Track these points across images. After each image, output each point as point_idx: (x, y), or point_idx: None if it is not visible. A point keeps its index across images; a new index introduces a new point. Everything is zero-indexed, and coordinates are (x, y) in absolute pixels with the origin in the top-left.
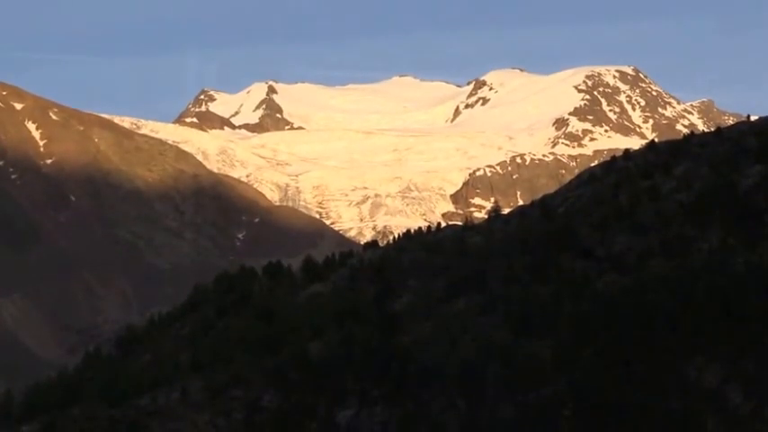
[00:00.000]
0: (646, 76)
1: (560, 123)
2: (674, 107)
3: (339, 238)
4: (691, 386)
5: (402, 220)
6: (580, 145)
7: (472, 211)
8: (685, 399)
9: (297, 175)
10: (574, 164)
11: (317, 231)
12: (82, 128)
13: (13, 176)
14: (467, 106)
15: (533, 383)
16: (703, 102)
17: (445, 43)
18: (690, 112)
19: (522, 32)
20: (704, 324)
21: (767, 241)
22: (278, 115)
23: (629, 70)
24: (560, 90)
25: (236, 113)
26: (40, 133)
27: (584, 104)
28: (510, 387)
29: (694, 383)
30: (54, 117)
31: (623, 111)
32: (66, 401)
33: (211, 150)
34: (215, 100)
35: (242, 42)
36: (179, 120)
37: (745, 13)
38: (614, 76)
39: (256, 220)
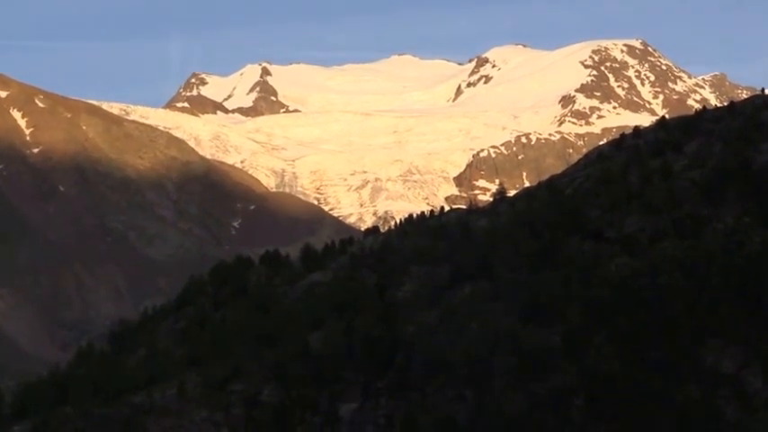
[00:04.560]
0: (655, 50)
1: (566, 101)
2: (684, 81)
3: (338, 224)
4: (707, 372)
5: (404, 205)
6: (588, 123)
7: (476, 194)
8: (702, 385)
9: (293, 160)
10: (581, 143)
11: (316, 218)
12: (69, 115)
13: None
14: (468, 85)
15: (543, 372)
16: (715, 75)
17: (445, 20)
18: (701, 87)
19: (525, 6)
20: (720, 307)
21: None
22: (272, 98)
23: (637, 44)
24: (566, 66)
25: (229, 97)
26: (26, 121)
27: (591, 80)
28: (519, 376)
29: (711, 369)
30: (40, 104)
31: (632, 86)
32: (59, 399)
33: (204, 136)
34: (206, 83)
35: (234, 23)
36: (169, 105)
37: None
38: (622, 51)
39: (252, 207)
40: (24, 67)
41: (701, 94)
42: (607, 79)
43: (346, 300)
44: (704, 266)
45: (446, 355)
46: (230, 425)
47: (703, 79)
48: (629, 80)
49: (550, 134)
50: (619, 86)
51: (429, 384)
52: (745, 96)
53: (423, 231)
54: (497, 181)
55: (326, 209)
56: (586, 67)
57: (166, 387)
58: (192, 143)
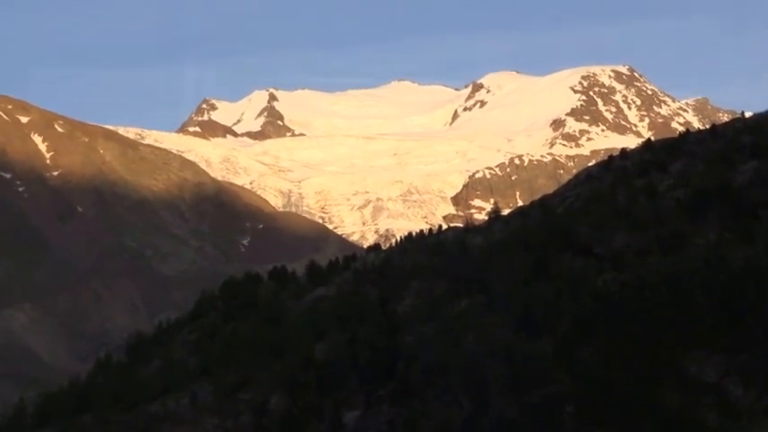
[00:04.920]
0: (641, 76)
1: (557, 124)
2: (669, 105)
3: (342, 242)
4: (691, 380)
5: (404, 223)
6: (577, 145)
7: (472, 213)
8: (686, 393)
9: (299, 181)
10: (571, 164)
11: (321, 236)
12: (87, 139)
13: (20, 189)
14: (465, 109)
15: (536, 381)
16: (698, 99)
17: (442, 47)
18: (685, 110)
19: (517, 34)
20: (703, 319)
21: (763, 236)
22: (279, 122)
23: (624, 70)
24: (556, 91)
25: (238, 121)
26: (46, 146)
27: (581, 105)
28: (513, 385)
29: (694, 377)
30: (59, 129)
31: (619, 110)
32: (79, 408)
33: (214, 158)
34: (216, 109)
35: (242, 50)
36: (182, 129)
37: (739, 11)
38: (609, 76)
39: (260, 226)
40: (44, 93)
41: (685, 117)
42: (596, 104)
43: (350, 313)
44: (688, 281)
45: (444, 364)
46: (239, 431)
47: (687, 103)
48: (616, 104)
49: (542, 156)
50: (607, 110)
51: (428, 392)
52: (726, 119)
53: (422, 248)
54: (492, 200)
55: (331, 227)
56: (576, 92)
57: (180, 396)
58: (203, 165)
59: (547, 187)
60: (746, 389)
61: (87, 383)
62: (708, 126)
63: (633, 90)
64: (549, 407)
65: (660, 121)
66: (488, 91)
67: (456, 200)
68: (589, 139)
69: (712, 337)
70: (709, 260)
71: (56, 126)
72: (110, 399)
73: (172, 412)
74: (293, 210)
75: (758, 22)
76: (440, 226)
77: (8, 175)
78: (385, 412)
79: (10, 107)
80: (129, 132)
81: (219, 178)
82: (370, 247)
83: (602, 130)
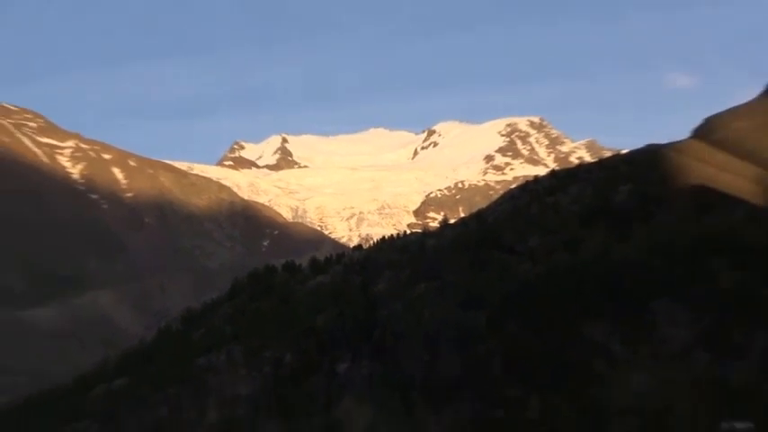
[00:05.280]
0: (548, 123)
1: (489, 158)
2: (568, 145)
3: (335, 243)
4: (586, 341)
5: (379, 230)
6: (503, 173)
7: (428, 222)
8: (582, 350)
9: (304, 200)
10: (499, 187)
11: (319, 239)
12: (152, 171)
13: (104, 206)
14: (422, 148)
15: (474, 344)
16: (589, 141)
17: (406, 102)
18: (579, 149)
19: (460, 92)
20: (594, 297)
21: (635, 239)
22: (289, 158)
23: (536, 119)
24: (488, 135)
25: (260, 157)
26: (123, 175)
27: (505, 144)
28: (458, 347)
29: (588, 339)
30: (132, 164)
31: (533, 149)
32: (146, 362)
33: (243, 184)
34: (244, 148)
35: (262, 107)
36: (219, 163)
37: (619, 76)
38: (526, 124)
39: (276, 232)
40: (121, 137)
41: (580, 153)
42: (516, 143)
43: (340, 294)
44: (582, 270)
45: (409, 332)
46: (262, 379)
47: (580, 144)
48: (530, 144)
49: (478, 181)
50: (524, 148)
51: (397, 351)
52: (608, 155)
53: (392, 248)
54: (442, 213)
55: (327, 233)
56: (502, 135)
57: (219, 354)
58: (235, 189)
59: (481, 204)
60: (623, 346)
61: (152, 345)
62: (596, 160)
63: (543, 134)
64: (484, 363)
65: (562, 156)
66: (439, 135)
67: (416, 213)
68: (511, 169)
69: (600, 309)
70: (596, 256)
71: (129, 161)
72: (169, 355)
73: (213, 365)
74: (299, 220)
75: (629, 80)
76: (405, 232)
77: (95, 196)
78: (366, 365)
79: (97, 148)
80: (182, 165)
81: (246, 198)
82: (354, 247)
83: (521, 163)
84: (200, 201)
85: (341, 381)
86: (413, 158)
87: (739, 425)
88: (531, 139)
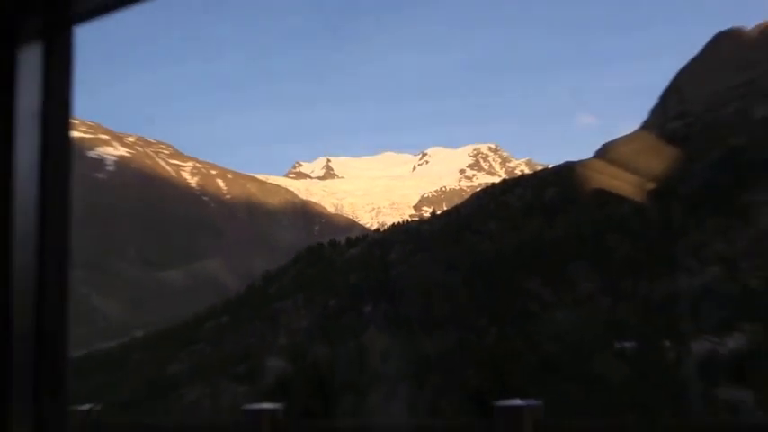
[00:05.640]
0: (501, 148)
1: (462, 171)
2: (513, 162)
3: (362, 228)
4: (526, 291)
5: (390, 219)
6: (471, 181)
7: (423, 214)
8: (524, 298)
9: (341, 200)
10: (469, 190)
11: (352, 226)
12: (242, 181)
13: (211, 206)
14: (419, 165)
15: (453, 294)
16: (528, 159)
17: (407, 133)
18: (521, 164)
19: (443, 127)
20: (532, 263)
21: (559, 225)
22: (331, 172)
23: (493, 145)
24: (462, 156)
25: (312, 172)
26: (224, 184)
27: (473, 162)
28: (443, 296)
29: (527, 290)
30: (229, 176)
31: (491, 165)
32: (240, 306)
33: (301, 189)
34: (302, 165)
35: (313, 136)
36: (286, 175)
37: (545, 114)
38: (486, 148)
39: (323, 221)
40: (222, 158)
41: (521, 167)
42: (480, 162)
43: (366, 261)
44: (524, 246)
45: (410, 287)
46: (315, 317)
47: (522, 161)
48: (489, 162)
49: (455, 187)
50: (485, 164)
51: (403, 299)
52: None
53: (399, 231)
54: (432, 208)
55: (357, 222)
56: (470, 156)
57: (287, 301)
58: (296, 192)
59: (458, 202)
60: (551, 294)
61: (244, 295)
62: (532, 172)
63: (497, 155)
64: (460, 306)
65: (510, 169)
66: (430, 156)
67: (415, 207)
68: (477, 179)
69: (537, 271)
70: (533, 236)
71: (227, 175)
72: (255, 302)
73: (283, 308)
74: (339, 213)
75: (557, 122)
76: (407, 220)
77: (206, 198)
78: (382, 308)
79: (207, 166)
80: (262, 177)
81: (304, 198)
82: (374, 231)
83: (483, 174)
84: (274, 201)
85: (366, 318)
86: (412, 171)
87: (627, 343)
88: (490, 159)
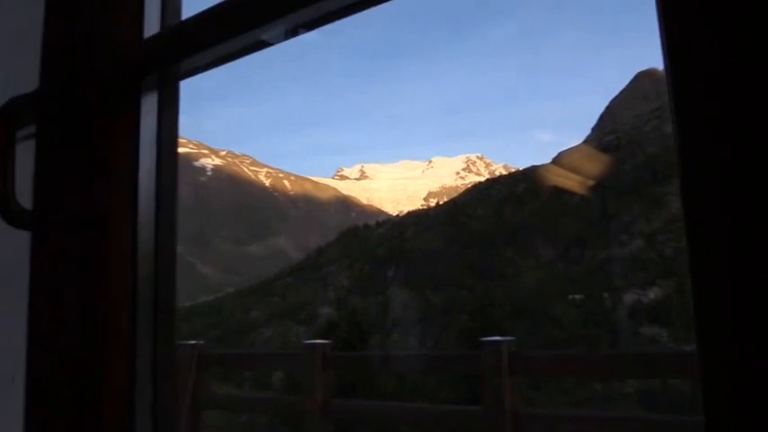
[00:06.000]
0: (485, 156)
1: (457, 173)
2: (494, 166)
3: (387, 215)
4: (505, 257)
5: (406, 208)
6: (464, 180)
7: (430, 204)
8: (502, 261)
9: (372, 195)
10: (463, 187)
11: (380, 213)
12: (302, 182)
13: (280, 199)
14: (427, 169)
15: (452, 259)
16: (505, 164)
17: (419, 146)
18: (499, 168)
19: (443, 142)
20: (508, 236)
21: (526, 209)
22: (365, 175)
23: (479, 155)
24: (457, 162)
25: (351, 175)
26: (289, 183)
27: (465, 166)
28: (445, 262)
29: (505, 256)
30: (292, 178)
31: (478, 168)
32: (299, 270)
33: (343, 188)
34: (343, 170)
35: (352, 149)
36: (332, 177)
37: (511, 132)
38: (475, 156)
39: (359, 210)
40: (287, 165)
41: (500, 170)
42: (470, 166)
43: (389, 238)
44: (502, 225)
45: (421, 255)
46: (352, 278)
47: (500, 165)
48: (477, 166)
49: (453, 185)
50: (473, 168)
51: (416, 264)
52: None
53: (412, 216)
54: (436, 200)
55: (383, 210)
56: (464, 162)
57: (333, 266)
58: (340, 189)
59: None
60: (520, 259)
61: (302, 263)
62: (507, 173)
63: (482, 161)
64: (456, 267)
65: (491, 171)
66: (434, 162)
67: (424, 199)
68: (468, 179)
69: (512, 242)
70: (508, 218)
71: (291, 177)
72: (310, 267)
73: (330, 271)
74: (370, 204)
75: (520, 138)
76: (419, 208)
77: (276, 194)
78: (401, 271)
79: (277, 170)
80: (315, 178)
81: (345, 194)
82: (395, 216)
83: (473, 175)
84: (324, 196)
85: (389, 279)
86: (422, 174)
87: (577, 296)
88: (477, 164)
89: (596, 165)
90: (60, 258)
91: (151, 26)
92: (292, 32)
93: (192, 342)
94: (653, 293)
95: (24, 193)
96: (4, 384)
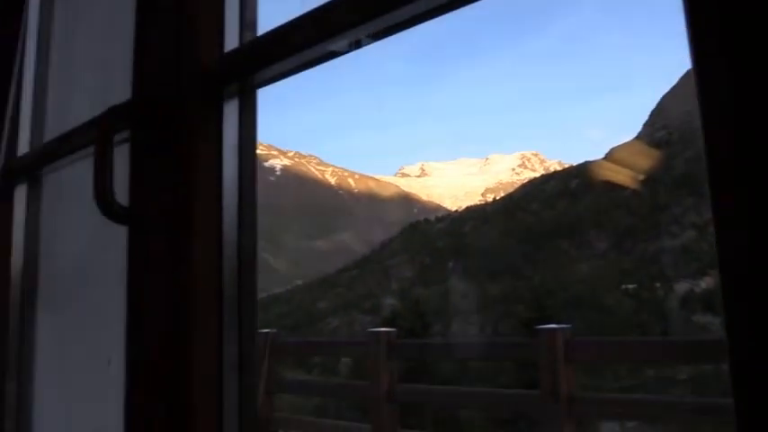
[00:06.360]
0: (540, 153)
1: (513, 170)
2: (549, 162)
3: (446, 210)
4: (559, 248)
5: (465, 203)
6: (519, 176)
7: (487, 198)
8: (556, 252)
9: (432, 191)
10: (518, 183)
11: (439, 208)
12: (365, 180)
13: (341, 194)
14: (483, 166)
15: (509, 249)
16: (559, 161)
17: (476, 144)
18: (554, 164)
19: (501, 140)
20: (566, 229)
21: (581, 204)
22: (425, 173)
23: (535, 152)
24: (513, 159)
25: (412, 172)
26: (353, 181)
27: (520, 162)
28: (500, 251)
29: (561, 247)
30: (356, 177)
31: (533, 165)
32: (365, 263)
33: (405, 185)
34: (405, 168)
35: (413, 149)
36: (395, 175)
37: (565, 134)
38: (530, 153)
39: (420, 206)
40: (351, 164)
41: (554, 166)
42: (525, 163)
43: (449, 232)
44: (558, 218)
45: (478, 247)
46: (415, 270)
47: (554, 161)
48: (532, 163)
49: (509, 181)
50: (528, 164)
51: (474, 257)
52: (567, 166)
53: (471, 210)
54: (494, 195)
55: (442, 206)
56: (519, 159)
57: (397, 259)
58: (402, 187)
59: (510, 190)
60: (577, 250)
61: (367, 257)
62: (561, 168)
63: (537, 158)
64: (511, 257)
65: (545, 167)
66: (490, 160)
67: (482, 195)
68: (523, 175)
69: (569, 235)
70: (563, 213)
71: (355, 176)
72: (374, 260)
73: (393, 263)
74: (430, 200)
75: (573, 137)
76: (476, 204)
77: (341, 192)
78: (461, 263)
79: (342, 170)
80: (378, 176)
81: (407, 191)
82: (454, 211)
83: (528, 171)
84: (386, 193)
85: (449, 270)
86: (479, 170)
87: (629, 286)
88: (532, 160)
89: (648, 160)
90: (153, 252)
91: (231, 41)
92: (356, 44)
93: (266, 331)
94: (704, 283)
95: (120, 193)
96: (101, 366)
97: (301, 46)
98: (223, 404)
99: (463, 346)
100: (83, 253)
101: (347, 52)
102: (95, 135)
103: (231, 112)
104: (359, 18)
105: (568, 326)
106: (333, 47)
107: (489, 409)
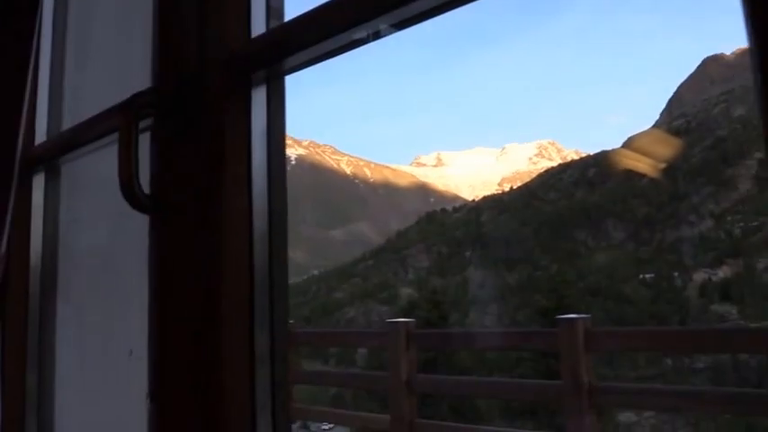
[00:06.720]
0: (556, 142)
1: (530, 159)
2: (566, 152)
3: (463, 200)
4: (576, 238)
5: (482, 193)
6: (536, 165)
7: (503, 188)
8: (575, 242)
9: (448, 180)
10: (535, 172)
11: (456, 198)
12: (381, 169)
13: (360, 186)
14: (500, 155)
15: (528, 239)
16: (576, 150)
17: (493, 135)
18: (571, 153)
19: (518, 129)
20: (582, 219)
21: (599, 192)
22: (441, 162)
23: (551, 141)
24: (530, 148)
25: (428, 162)
26: (369, 171)
27: (537, 152)
28: (520, 240)
29: (578, 238)
30: (372, 166)
31: (549, 153)
32: (381, 252)
33: (421, 174)
34: (421, 158)
35: (429, 140)
36: (410, 164)
37: (585, 123)
38: (547, 142)
39: (436, 195)
40: (367, 153)
41: (571, 155)
42: (542, 152)
43: (467, 221)
44: (574, 207)
45: (498, 236)
46: (432, 259)
47: (571, 150)
48: (548, 152)
49: (526, 170)
50: (545, 153)
51: (490, 245)
52: (584, 155)
53: (488, 200)
54: (510, 184)
55: (459, 195)
56: (536, 148)
57: (412, 249)
58: (418, 176)
59: (527, 179)
60: (594, 240)
61: (382, 246)
62: (578, 158)
63: (554, 147)
64: (532, 247)
65: (562, 157)
66: (507, 149)
67: (498, 184)
68: (540, 164)
69: (584, 224)
70: (580, 202)
71: (371, 165)
72: (388, 251)
73: (410, 253)
74: (446, 190)
75: (593, 123)
76: (493, 193)
77: (357, 181)
78: (478, 251)
79: (357, 159)
80: (395, 166)
81: (423, 180)
82: (471, 201)
83: (545, 160)
84: (402, 182)
85: (466, 260)
86: (496, 160)
87: (647, 275)
88: (549, 149)
89: (666, 148)
90: (180, 242)
91: (258, 27)
92: (374, 35)
93: None
94: (722, 272)
95: (142, 180)
96: (122, 357)
97: (328, 33)
98: (256, 398)
99: (482, 336)
100: (102, 242)
101: (370, 42)
102: (119, 122)
103: (259, 98)
104: (383, 7)
105: (588, 315)
106: (356, 35)
107: (509, 400)
